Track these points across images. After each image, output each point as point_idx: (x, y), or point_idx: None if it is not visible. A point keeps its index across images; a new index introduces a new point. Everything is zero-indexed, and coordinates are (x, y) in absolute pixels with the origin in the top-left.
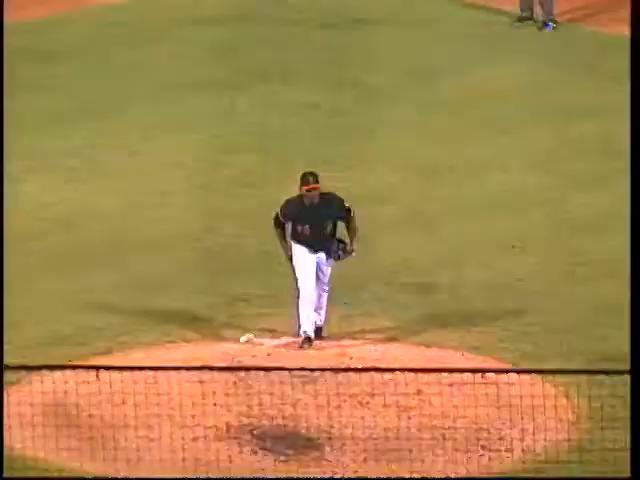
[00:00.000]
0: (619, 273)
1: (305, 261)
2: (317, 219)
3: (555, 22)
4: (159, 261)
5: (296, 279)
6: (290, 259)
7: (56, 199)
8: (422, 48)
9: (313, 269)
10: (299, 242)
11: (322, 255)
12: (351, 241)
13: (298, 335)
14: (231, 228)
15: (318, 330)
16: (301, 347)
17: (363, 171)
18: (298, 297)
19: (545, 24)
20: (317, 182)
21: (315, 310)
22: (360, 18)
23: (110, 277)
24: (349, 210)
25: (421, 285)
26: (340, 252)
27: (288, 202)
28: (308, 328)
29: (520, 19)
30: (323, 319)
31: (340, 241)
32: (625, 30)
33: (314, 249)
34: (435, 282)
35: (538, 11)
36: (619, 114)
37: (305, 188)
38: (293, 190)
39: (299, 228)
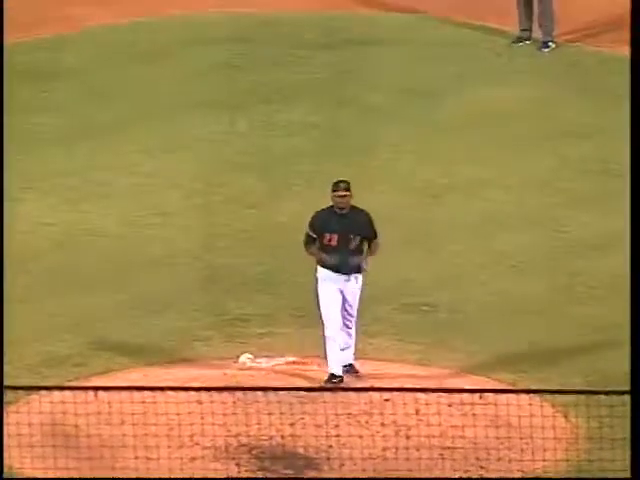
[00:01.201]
0: (619, 292)
1: (330, 298)
2: (345, 229)
3: (554, 42)
4: (158, 281)
5: (320, 315)
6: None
7: (55, 219)
8: (421, 68)
9: (338, 307)
10: (324, 264)
11: (346, 283)
12: (365, 259)
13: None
14: (230, 248)
15: (350, 367)
16: (325, 383)
17: (362, 191)
18: (324, 334)
19: (544, 44)
20: (348, 190)
21: (343, 349)
22: (359, 39)
23: (109, 297)
24: (375, 232)
25: (421, 305)
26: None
27: (317, 213)
28: (335, 370)
29: (519, 39)
30: (352, 356)
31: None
32: (625, 50)
33: (339, 269)
34: (435, 302)
35: (537, 31)
36: (618, 134)
37: (335, 193)
38: (293, 209)
39: (327, 237)
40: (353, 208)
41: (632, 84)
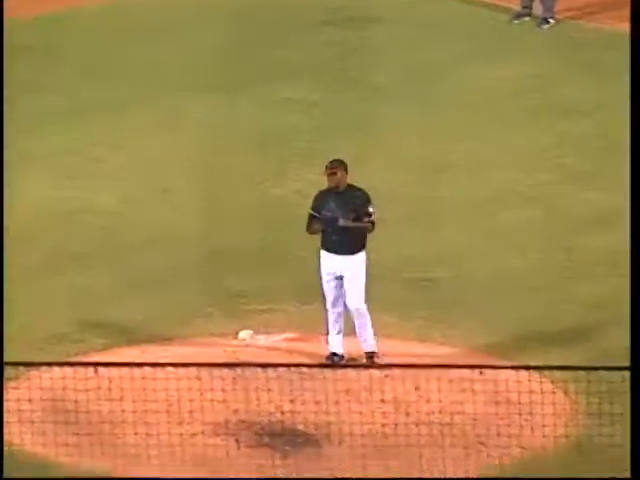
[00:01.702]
0: (619, 269)
1: (327, 277)
2: (339, 207)
3: (554, 19)
4: (158, 258)
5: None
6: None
7: (55, 196)
8: (422, 46)
9: (333, 286)
10: (322, 243)
11: (341, 263)
12: (349, 220)
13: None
14: (230, 225)
15: (369, 356)
16: (326, 361)
17: (363, 169)
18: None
19: (544, 20)
20: (337, 168)
21: (339, 332)
22: (360, 16)
23: (108, 275)
24: (370, 214)
25: (421, 281)
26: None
27: (318, 192)
28: (336, 349)
29: (518, 15)
30: (369, 344)
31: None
32: (626, 27)
33: (334, 249)
34: (435, 278)
35: (538, 7)
36: (618, 110)
37: (326, 172)
38: (293, 187)
39: (324, 215)
40: (351, 187)
41: (632, 60)
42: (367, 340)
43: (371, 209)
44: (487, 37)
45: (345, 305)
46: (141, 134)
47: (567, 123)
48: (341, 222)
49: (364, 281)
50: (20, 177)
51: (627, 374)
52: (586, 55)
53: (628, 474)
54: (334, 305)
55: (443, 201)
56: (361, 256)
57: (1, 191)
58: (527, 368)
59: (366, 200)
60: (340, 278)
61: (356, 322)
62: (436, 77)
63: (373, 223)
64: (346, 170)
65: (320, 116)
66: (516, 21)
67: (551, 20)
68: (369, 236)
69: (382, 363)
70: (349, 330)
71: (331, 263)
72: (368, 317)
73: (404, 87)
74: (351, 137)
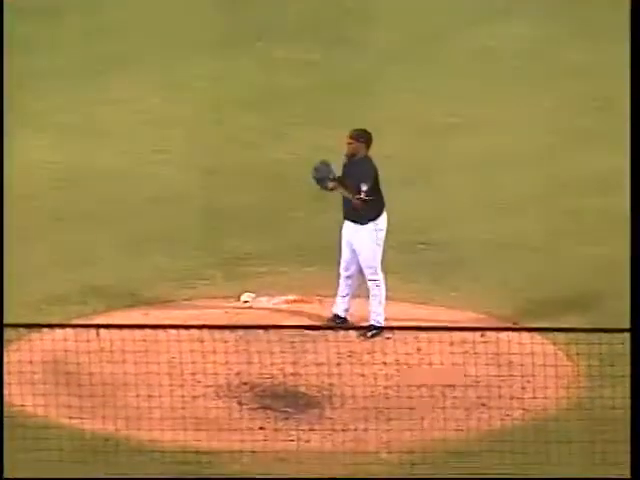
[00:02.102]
0: (619, 231)
1: (342, 242)
2: (345, 176)
3: None
4: (158, 219)
5: None
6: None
7: (55, 157)
8: (423, 6)
9: (347, 252)
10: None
11: (351, 231)
12: (340, 186)
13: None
14: (230, 186)
15: (368, 328)
16: (327, 322)
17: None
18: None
19: None
20: (351, 137)
21: (343, 296)
22: None
23: (109, 236)
24: (360, 193)
25: (421, 243)
26: (326, 179)
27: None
28: (335, 310)
29: None
30: (373, 318)
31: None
32: None
33: (345, 215)
34: (435, 239)
35: None
36: (619, 72)
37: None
38: (293, 148)
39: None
40: (364, 160)
41: (632, 23)
42: (372, 314)
43: (364, 187)
44: None
45: (359, 272)
46: (141, 94)
47: (567, 84)
48: (329, 184)
49: (375, 254)
50: (19, 137)
51: (628, 336)
52: (586, 16)
53: (628, 438)
54: (345, 269)
55: (442, 162)
56: (368, 227)
57: (1, 152)
58: (529, 330)
59: (364, 171)
60: (352, 245)
61: (369, 292)
62: (436, 38)
63: (363, 200)
64: (366, 141)
65: (319, 76)
66: None
67: None
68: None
69: (384, 325)
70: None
71: (345, 229)
72: (379, 291)
73: (404, 47)
74: (350, 98)
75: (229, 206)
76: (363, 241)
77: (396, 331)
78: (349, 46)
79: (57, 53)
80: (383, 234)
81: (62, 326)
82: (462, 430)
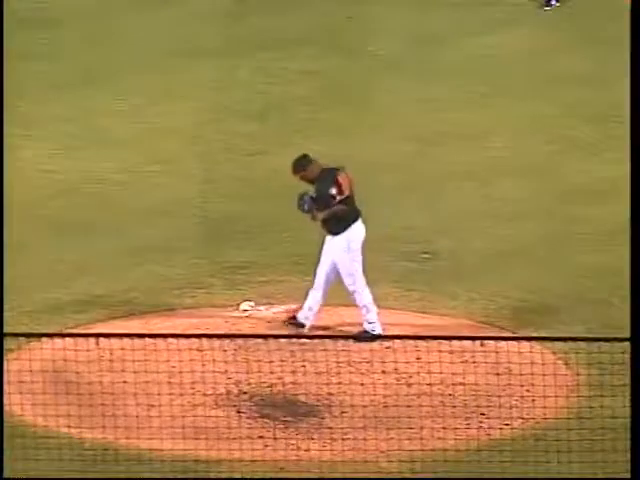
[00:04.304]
0: (619, 239)
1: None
2: (318, 196)
3: (558, 0)
4: (158, 228)
5: None
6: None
7: (55, 166)
8: (423, 15)
9: (322, 263)
10: None
11: (328, 242)
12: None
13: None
14: (230, 196)
15: (295, 320)
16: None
17: (363, 139)
18: None
19: (547, 2)
20: (297, 173)
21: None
22: None
23: (109, 245)
24: (334, 197)
25: (421, 252)
26: (305, 204)
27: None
28: (303, 318)
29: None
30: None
31: (312, 198)
32: None
33: (322, 227)
34: (435, 249)
35: None
36: (620, 81)
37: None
38: (293, 157)
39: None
40: (317, 176)
41: (632, 31)
42: (364, 322)
43: (333, 191)
44: (487, 6)
45: (328, 283)
46: (141, 104)
47: (568, 93)
48: (318, 215)
49: (351, 265)
50: (21, 145)
51: (628, 345)
52: (587, 25)
53: (627, 447)
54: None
55: (442, 171)
56: (340, 239)
57: (1, 161)
58: (528, 339)
59: (325, 186)
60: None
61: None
62: (437, 46)
63: (340, 201)
64: (307, 164)
65: (319, 85)
66: (547, 8)
67: (555, 2)
68: (369, 207)
69: (383, 334)
70: (337, 303)
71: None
72: (361, 300)
73: (404, 56)
74: (350, 106)
75: (229, 215)
76: (338, 252)
77: (396, 340)
78: (349, 55)
79: (58, 62)
80: (357, 244)
81: (62, 335)
82: (462, 439)
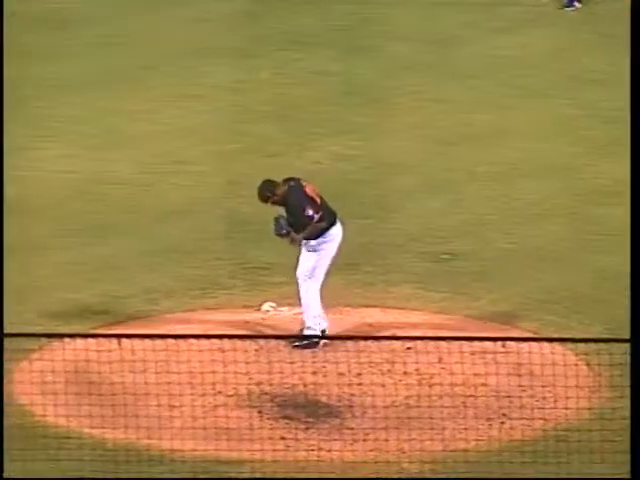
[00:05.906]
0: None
1: None
2: (291, 216)
3: (580, 1)
4: (179, 229)
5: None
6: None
7: (74, 167)
8: (441, 16)
9: (322, 260)
10: None
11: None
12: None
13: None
14: (250, 196)
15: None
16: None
17: (382, 139)
18: None
19: (569, 2)
20: (267, 200)
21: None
22: None
23: (129, 245)
24: (306, 211)
25: (442, 253)
26: (283, 229)
27: None
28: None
29: (571, 1)
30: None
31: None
32: None
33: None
34: (456, 250)
35: None
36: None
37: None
38: (312, 158)
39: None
40: (286, 198)
41: (632, 35)
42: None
43: (309, 212)
44: (504, 7)
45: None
46: (160, 104)
47: (587, 94)
48: (296, 238)
49: (310, 262)
50: (39, 147)
51: None
52: (604, 26)
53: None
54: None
55: (462, 172)
56: (311, 241)
57: (1, 159)
58: (550, 340)
59: (299, 206)
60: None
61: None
62: (454, 47)
63: (319, 219)
64: (272, 189)
65: (338, 86)
66: (570, 9)
67: (577, 3)
68: (389, 207)
69: (404, 335)
70: (357, 304)
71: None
72: (305, 298)
73: (423, 57)
74: (369, 107)
75: (250, 216)
76: (305, 251)
77: (417, 341)
78: (368, 56)
79: (74, 63)
80: (332, 245)
81: (84, 336)
82: (483, 440)
